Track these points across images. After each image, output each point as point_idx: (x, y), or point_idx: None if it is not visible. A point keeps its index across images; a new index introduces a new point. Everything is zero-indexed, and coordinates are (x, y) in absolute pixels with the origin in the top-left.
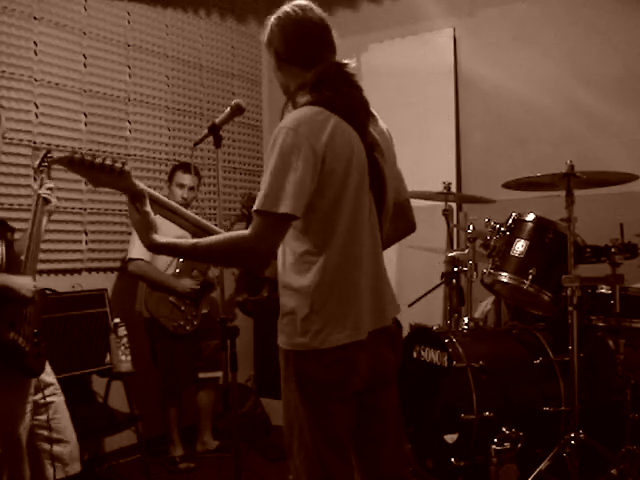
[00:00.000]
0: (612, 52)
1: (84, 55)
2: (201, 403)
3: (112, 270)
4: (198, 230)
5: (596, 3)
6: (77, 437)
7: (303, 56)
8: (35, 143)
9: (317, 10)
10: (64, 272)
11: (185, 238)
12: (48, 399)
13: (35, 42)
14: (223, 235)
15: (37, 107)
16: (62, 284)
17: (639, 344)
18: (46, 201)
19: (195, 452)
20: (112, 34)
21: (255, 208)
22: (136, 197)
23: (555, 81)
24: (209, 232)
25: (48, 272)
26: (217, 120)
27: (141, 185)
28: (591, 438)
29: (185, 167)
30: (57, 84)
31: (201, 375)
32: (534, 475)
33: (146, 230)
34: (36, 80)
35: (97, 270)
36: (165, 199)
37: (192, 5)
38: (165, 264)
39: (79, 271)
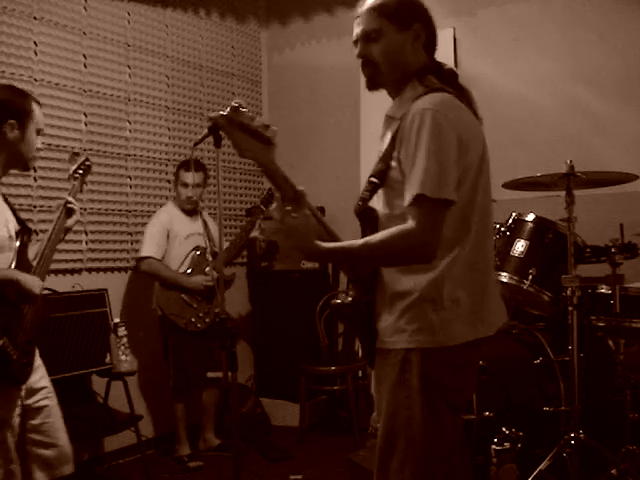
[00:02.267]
0: (612, 52)
1: (84, 55)
2: (205, 401)
3: (112, 270)
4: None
5: (596, 3)
6: (77, 437)
7: (433, 44)
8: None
9: None
10: (64, 272)
11: (196, 236)
12: (41, 403)
13: (35, 42)
14: (388, 232)
15: None
16: (62, 284)
17: (639, 344)
18: (69, 213)
19: (197, 450)
20: (112, 34)
21: (417, 192)
22: (294, 199)
23: (555, 81)
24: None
25: (48, 272)
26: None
27: (298, 186)
28: (591, 438)
29: (187, 165)
30: (57, 84)
31: (209, 375)
32: (534, 475)
33: (309, 235)
34: (36, 80)
35: (97, 270)
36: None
37: (192, 5)
38: (178, 262)
39: (79, 271)
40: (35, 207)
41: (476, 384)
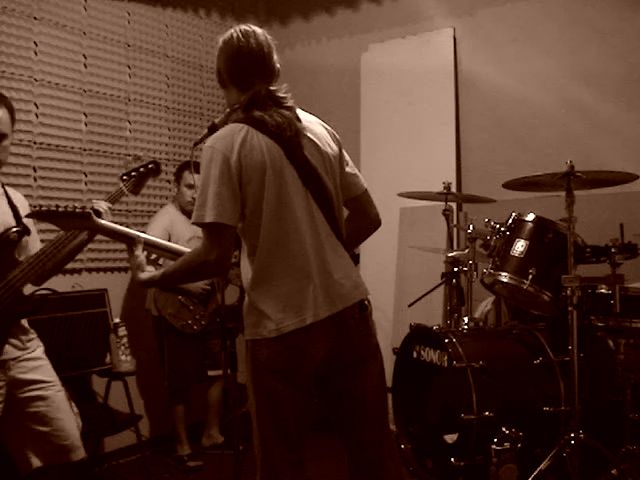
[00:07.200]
0: (612, 52)
1: (84, 55)
2: (210, 399)
3: (112, 270)
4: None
5: (596, 3)
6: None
7: (239, 79)
8: (35, 143)
9: (260, 37)
10: (64, 272)
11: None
12: (32, 394)
13: (35, 42)
14: (183, 257)
15: (37, 107)
16: (62, 284)
17: (639, 344)
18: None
19: (201, 447)
20: (112, 34)
21: (191, 222)
22: (128, 244)
23: (555, 81)
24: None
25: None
26: (217, 120)
27: (137, 234)
28: (591, 438)
29: (193, 166)
30: (57, 84)
31: (210, 373)
32: (534, 475)
33: (135, 270)
34: (36, 80)
35: (97, 270)
36: (154, 239)
37: (192, 5)
38: None
39: (79, 271)
40: (35, 207)
41: (324, 361)
